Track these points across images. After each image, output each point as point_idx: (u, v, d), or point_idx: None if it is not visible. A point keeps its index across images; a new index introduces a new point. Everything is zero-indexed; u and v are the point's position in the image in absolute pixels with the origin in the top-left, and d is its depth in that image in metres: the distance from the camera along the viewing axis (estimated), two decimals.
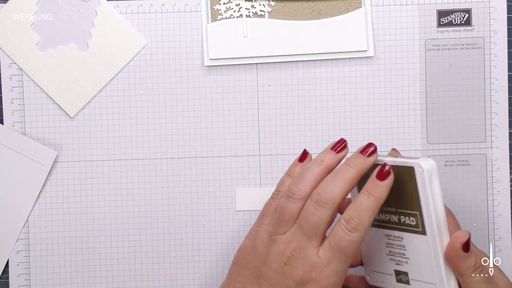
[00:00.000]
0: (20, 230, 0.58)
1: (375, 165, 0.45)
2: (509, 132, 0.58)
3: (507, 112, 0.58)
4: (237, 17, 0.58)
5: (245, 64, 0.58)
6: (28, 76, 0.58)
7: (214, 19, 0.58)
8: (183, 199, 0.58)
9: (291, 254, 0.44)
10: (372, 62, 0.58)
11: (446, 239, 0.44)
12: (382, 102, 0.58)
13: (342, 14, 0.57)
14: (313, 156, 0.49)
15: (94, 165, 0.58)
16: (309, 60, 0.58)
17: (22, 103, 0.58)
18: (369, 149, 0.45)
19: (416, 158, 0.44)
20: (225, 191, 0.58)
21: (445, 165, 0.58)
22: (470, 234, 0.43)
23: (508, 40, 0.58)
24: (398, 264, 0.46)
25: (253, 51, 0.57)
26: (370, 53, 0.57)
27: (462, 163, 0.58)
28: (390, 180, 0.43)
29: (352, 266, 0.47)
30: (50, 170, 0.58)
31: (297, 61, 0.58)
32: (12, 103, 0.58)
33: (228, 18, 0.57)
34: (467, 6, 0.58)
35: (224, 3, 0.57)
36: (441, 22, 0.58)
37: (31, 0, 0.57)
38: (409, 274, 0.46)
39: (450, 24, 0.58)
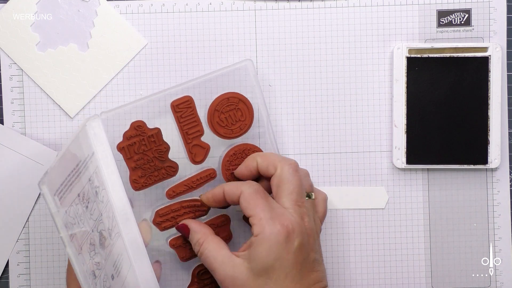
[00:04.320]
0: (20, 230, 0.58)
1: None
2: (509, 133, 0.58)
3: (506, 110, 0.58)
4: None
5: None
6: (28, 76, 0.58)
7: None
8: None
9: None
10: (372, 62, 0.58)
11: None
12: (385, 104, 0.58)
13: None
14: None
15: None
16: (309, 60, 0.58)
17: (22, 103, 0.58)
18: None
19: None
20: None
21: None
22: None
23: (507, 40, 0.58)
24: None
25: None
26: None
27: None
28: None
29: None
30: None
31: (297, 60, 0.58)
32: (12, 103, 0.58)
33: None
34: (467, 6, 0.58)
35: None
36: (441, 22, 0.58)
37: (31, 0, 0.57)
38: None
39: (450, 24, 0.58)
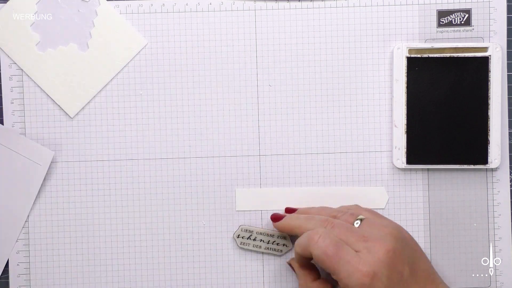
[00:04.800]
0: (20, 230, 0.58)
1: None
2: (509, 132, 0.58)
3: (506, 115, 0.58)
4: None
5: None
6: (28, 76, 0.58)
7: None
8: (183, 199, 0.58)
9: None
10: (372, 62, 0.58)
11: None
12: (381, 104, 0.58)
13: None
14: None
15: (94, 165, 0.58)
16: (309, 60, 0.58)
17: (22, 103, 0.58)
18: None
19: None
20: (225, 191, 0.58)
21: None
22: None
23: (508, 40, 0.58)
24: None
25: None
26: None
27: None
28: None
29: None
30: (50, 170, 0.58)
31: (297, 60, 0.58)
32: (12, 103, 0.58)
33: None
34: (467, 6, 0.58)
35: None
36: (441, 22, 0.58)
37: (31, 0, 0.57)
38: None
39: (450, 24, 0.58)
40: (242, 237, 0.57)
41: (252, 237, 0.57)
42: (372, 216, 0.54)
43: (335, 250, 0.49)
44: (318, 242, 0.50)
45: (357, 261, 0.49)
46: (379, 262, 0.49)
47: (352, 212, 0.54)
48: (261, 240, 0.57)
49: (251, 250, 0.58)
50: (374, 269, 0.49)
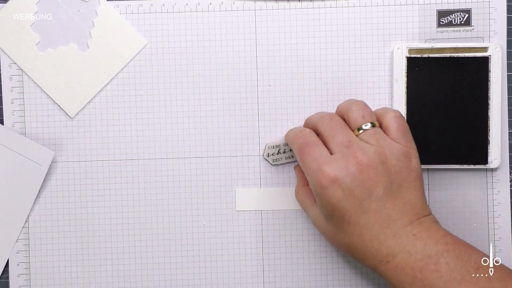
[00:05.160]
0: (20, 230, 0.58)
1: None
2: (509, 132, 0.58)
3: (506, 111, 0.58)
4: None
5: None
6: (28, 76, 0.58)
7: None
8: (183, 199, 0.58)
9: None
10: (372, 62, 0.58)
11: None
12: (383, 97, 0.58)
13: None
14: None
15: (94, 165, 0.58)
16: (309, 60, 0.58)
17: (22, 103, 0.58)
18: None
19: None
20: (225, 191, 0.58)
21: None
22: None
23: (508, 40, 0.58)
24: None
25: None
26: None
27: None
28: None
29: None
30: (50, 170, 0.58)
31: (297, 60, 0.58)
32: (12, 103, 0.58)
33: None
34: (467, 6, 0.58)
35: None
36: (441, 22, 0.58)
37: (31, 0, 0.57)
38: None
39: (450, 24, 0.58)
40: (272, 154, 0.57)
41: (281, 151, 0.57)
42: (393, 131, 0.51)
43: (309, 148, 0.51)
44: (298, 138, 0.52)
45: (323, 162, 0.49)
46: (345, 170, 0.48)
47: (373, 116, 0.52)
48: (290, 150, 0.57)
49: (284, 164, 0.58)
50: (337, 175, 0.48)
